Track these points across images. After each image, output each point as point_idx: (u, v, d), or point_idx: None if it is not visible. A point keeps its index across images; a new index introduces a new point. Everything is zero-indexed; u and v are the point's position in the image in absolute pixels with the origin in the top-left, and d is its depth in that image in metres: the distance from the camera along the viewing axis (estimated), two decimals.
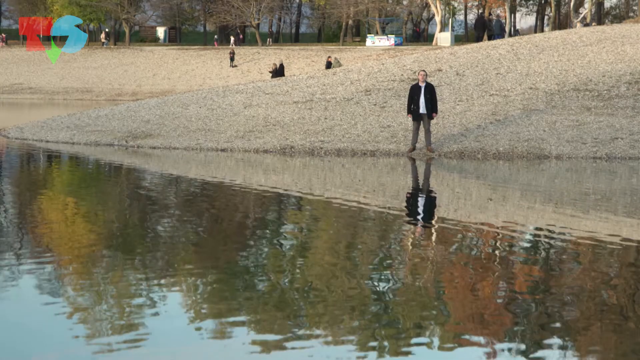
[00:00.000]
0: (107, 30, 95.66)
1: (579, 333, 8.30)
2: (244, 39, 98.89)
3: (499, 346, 7.92)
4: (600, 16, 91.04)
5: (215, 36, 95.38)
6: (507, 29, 69.73)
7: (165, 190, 18.42)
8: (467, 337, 8.17)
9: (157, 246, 12.20)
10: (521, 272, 10.69)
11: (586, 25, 54.30)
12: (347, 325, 8.43)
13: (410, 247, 12.29)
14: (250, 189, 18.00)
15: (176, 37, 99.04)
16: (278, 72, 48.97)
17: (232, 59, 72.69)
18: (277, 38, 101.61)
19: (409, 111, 23.04)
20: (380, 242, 12.62)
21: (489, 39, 42.33)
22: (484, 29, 44.32)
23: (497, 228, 13.68)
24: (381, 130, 24.69)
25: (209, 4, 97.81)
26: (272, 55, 74.55)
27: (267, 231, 13.57)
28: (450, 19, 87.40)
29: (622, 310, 8.98)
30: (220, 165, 22.54)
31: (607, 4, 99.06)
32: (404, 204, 16.77)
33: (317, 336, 8.12)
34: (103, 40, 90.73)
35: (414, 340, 8.05)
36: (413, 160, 22.49)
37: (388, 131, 24.61)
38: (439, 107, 23.86)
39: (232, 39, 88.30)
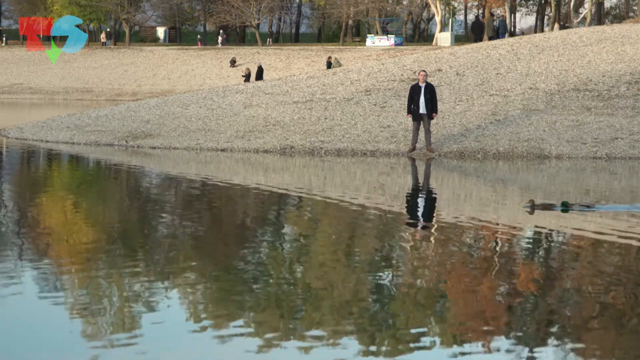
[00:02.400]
0: (107, 30, 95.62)
1: (580, 333, 8.29)
2: (244, 39, 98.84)
3: (499, 347, 7.91)
4: (600, 16, 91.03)
5: (199, 36, 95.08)
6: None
7: (165, 190, 18.42)
8: (467, 337, 8.17)
9: (156, 246, 12.20)
10: (521, 272, 10.69)
11: (563, 27, 54.21)
12: (347, 326, 8.42)
13: (410, 248, 12.29)
14: (250, 189, 18.01)
15: (176, 37, 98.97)
16: (257, 75, 48.21)
17: (233, 63, 72.48)
18: (277, 38, 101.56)
19: (409, 111, 23.05)
20: (380, 242, 12.61)
21: (490, 39, 42.31)
22: (482, 32, 44.34)
23: (497, 228, 13.68)
24: (381, 130, 24.69)
25: (209, 4, 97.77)
26: (272, 55, 74.53)
27: (267, 231, 13.57)
28: (450, 19, 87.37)
29: (622, 310, 8.98)
30: (220, 165, 22.55)
31: (607, 4, 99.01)
32: (404, 204, 16.77)
33: (317, 337, 8.12)
34: (104, 40, 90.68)
35: (414, 341, 8.04)
36: (413, 160, 22.49)
37: (388, 131, 24.61)
38: (439, 107, 23.86)
39: (219, 39, 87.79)
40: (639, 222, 14.14)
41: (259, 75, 48.32)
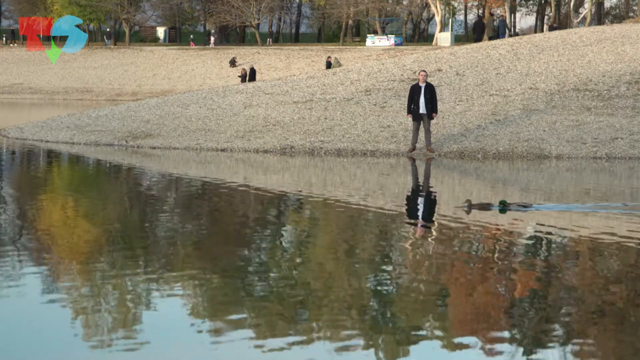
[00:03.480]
0: (108, 30, 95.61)
1: (580, 333, 8.30)
2: (244, 39, 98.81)
3: (499, 347, 7.92)
4: (600, 16, 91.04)
5: (192, 36, 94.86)
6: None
7: (165, 190, 18.43)
8: (467, 337, 8.17)
9: (157, 246, 12.21)
10: (521, 272, 10.69)
11: (552, 28, 54.08)
12: (347, 326, 8.43)
13: (410, 248, 12.30)
14: (250, 189, 18.01)
15: (176, 37, 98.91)
16: (250, 77, 48.23)
17: (232, 63, 72.38)
18: (277, 38, 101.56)
19: (409, 111, 23.05)
20: (380, 242, 12.62)
21: (490, 39, 42.30)
22: (483, 31, 44.32)
23: (497, 228, 13.68)
24: (381, 130, 24.69)
25: (209, 4, 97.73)
26: (272, 55, 74.52)
27: (267, 232, 13.58)
28: (450, 19, 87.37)
29: (622, 309, 8.99)
30: (220, 165, 22.55)
31: (607, 4, 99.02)
32: (404, 204, 16.77)
33: (318, 337, 8.12)
34: (105, 40, 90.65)
35: (413, 341, 8.05)
36: (413, 160, 22.50)
37: (388, 131, 24.62)
38: (439, 107, 23.86)
39: (212, 39, 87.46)
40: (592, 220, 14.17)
41: (252, 76, 48.30)
